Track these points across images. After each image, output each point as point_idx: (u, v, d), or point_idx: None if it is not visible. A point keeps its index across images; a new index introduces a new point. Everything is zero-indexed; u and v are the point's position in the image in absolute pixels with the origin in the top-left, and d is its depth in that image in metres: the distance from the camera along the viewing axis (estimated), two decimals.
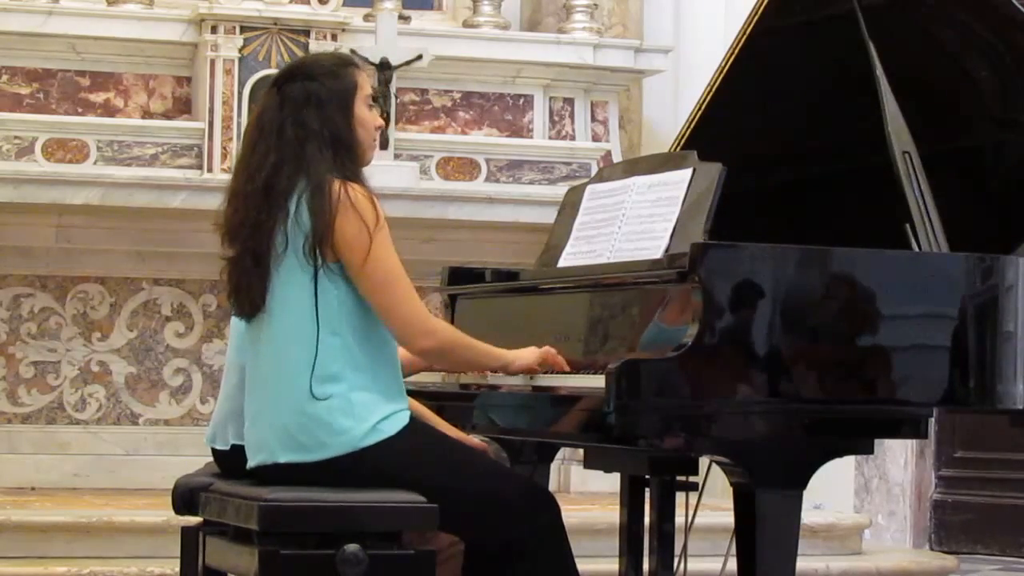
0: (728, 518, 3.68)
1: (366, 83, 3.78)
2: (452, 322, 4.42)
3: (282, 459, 3.63)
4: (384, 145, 6.77)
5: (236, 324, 3.93)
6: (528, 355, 3.80)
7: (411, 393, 4.03)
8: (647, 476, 4.13)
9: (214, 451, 4.01)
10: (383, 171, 6.28)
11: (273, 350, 3.67)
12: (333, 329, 3.62)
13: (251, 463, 3.72)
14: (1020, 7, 4.16)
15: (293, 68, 3.81)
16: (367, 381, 3.63)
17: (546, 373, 3.80)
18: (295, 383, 3.61)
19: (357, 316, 3.64)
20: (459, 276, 4.49)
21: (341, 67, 3.76)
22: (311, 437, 3.60)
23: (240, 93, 6.76)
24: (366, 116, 3.75)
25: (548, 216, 4.91)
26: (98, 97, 6.95)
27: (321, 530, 3.52)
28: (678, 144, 4.46)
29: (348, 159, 3.69)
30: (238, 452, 3.81)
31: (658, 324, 3.69)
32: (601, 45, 7.38)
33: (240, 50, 6.80)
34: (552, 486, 4.84)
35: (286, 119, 3.68)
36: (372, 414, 3.60)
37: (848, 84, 4.28)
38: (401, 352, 3.79)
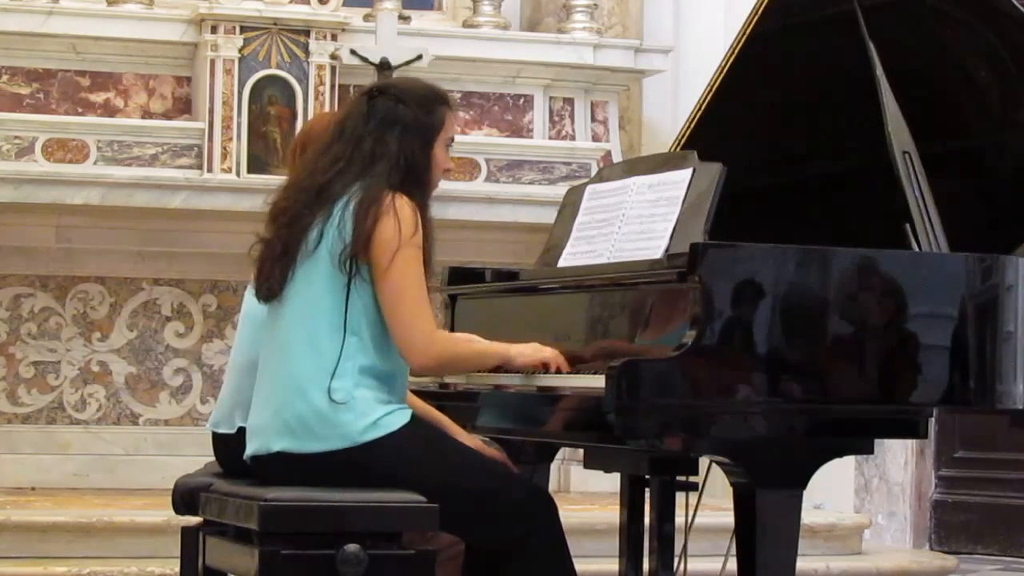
0: (728, 518, 3.67)
1: (452, 125, 3.82)
2: (452, 322, 4.42)
3: (275, 447, 3.64)
4: None
5: (250, 313, 3.94)
6: (529, 351, 3.80)
7: (413, 392, 4.03)
8: (647, 476, 4.12)
9: (215, 437, 4.00)
10: None
11: (286, 343, 3.68)
12: (353, 330, 3.65)
13: (248, 451, 3.73)
14: (1020, 7, 4.16)
15: (388, 85, 3.85)
16: (374, 379, 3.64)
17: (546, 373, 3.80)
18: (303, 377, 3.62)
19: (376, 316, 3.66)
20: (459, 276, 4.49)
21: (434, 102, 3.79)
22: (306, 428, 3.61)
23: (240, 93, 6.75)
24: (441, 158, 3.80)
25: (548, 216, 4.91)
26: (98, 97, 6.95)
27: (321, 530, 3.52)
28: (678, 144, 4.45)
29: (415, 188, 3.72)
30: (244, 435, 3.80)
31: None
32: (601, 45, 7.37)
33: (240, 50, 6.79)
34: (552, 486, 4.84)
35: (368, 133, 3.72)
36: (373, 410, 3.61)
37: (848, 84, 4.28)
38: None
